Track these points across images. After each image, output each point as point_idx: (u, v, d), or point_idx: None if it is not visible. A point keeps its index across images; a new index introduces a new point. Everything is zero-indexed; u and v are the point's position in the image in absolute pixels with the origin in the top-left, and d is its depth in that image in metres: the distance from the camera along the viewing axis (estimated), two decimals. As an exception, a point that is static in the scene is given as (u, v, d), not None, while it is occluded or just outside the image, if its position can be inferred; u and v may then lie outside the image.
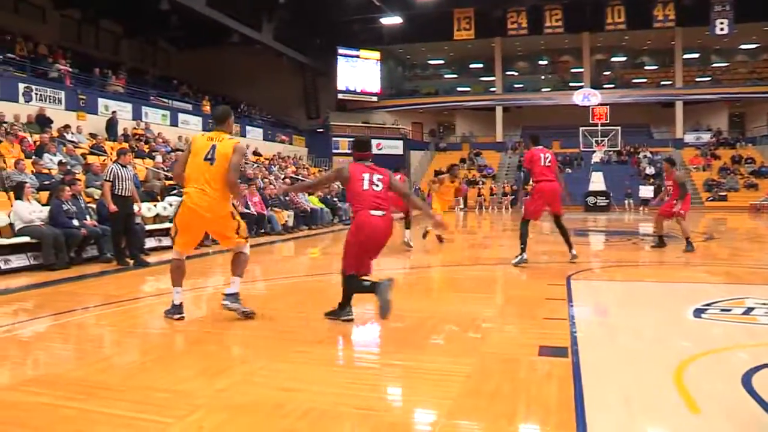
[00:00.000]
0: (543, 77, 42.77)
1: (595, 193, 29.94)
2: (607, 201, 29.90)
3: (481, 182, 35.66)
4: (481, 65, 42.44)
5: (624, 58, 41.71)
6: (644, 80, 40.30)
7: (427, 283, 8.15)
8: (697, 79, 38.55)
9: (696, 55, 39.36)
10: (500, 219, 25.95)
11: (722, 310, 5.77)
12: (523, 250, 8.98)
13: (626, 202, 30.48)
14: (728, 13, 31.81)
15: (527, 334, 4.92)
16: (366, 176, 5.31)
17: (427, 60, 44.40)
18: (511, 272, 8.76)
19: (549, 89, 40.53)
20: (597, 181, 30.40)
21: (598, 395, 3.46)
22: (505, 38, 36.82)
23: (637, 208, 29.72)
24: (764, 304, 5.94)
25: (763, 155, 34.17)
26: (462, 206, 31.19)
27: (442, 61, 44.28)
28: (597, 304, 6.56)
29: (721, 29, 32.19)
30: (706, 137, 36.87)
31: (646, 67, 41.72)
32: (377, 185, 5.27)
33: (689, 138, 36.80)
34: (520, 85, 41.91)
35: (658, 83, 39.26)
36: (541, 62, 43.13)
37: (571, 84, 39.31)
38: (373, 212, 5.17)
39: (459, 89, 42.49)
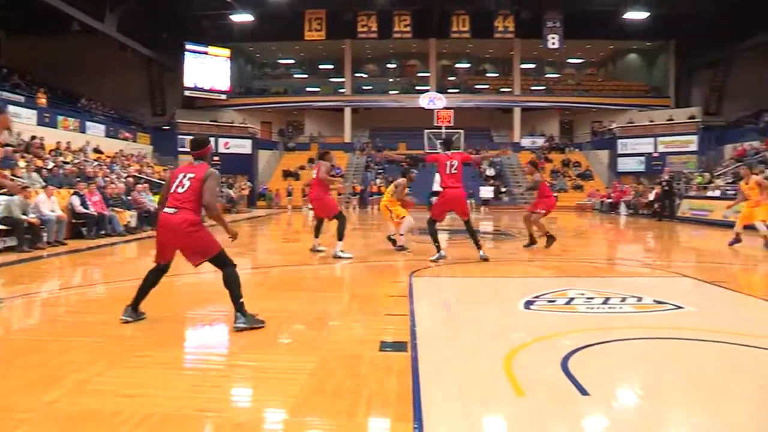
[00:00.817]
0: (391, 80, 43.86)
1: (438, 194, 31.09)
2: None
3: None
4: (331, 66, 42.80)
5: (468, 65, 43.80)
6: (486, 86, 42.48)
7: (274, 283, 8.15)
8: (533, 88, 41.26)
9: (532, 66, 42.22)
10: (348, 220, 26.22)
11: (549, 301, 6.29)
12: (438, 248, 9.66)
13: (469, 202, 31.93)
14: (559, 30, 34.35)
15: (369, 331, 5.09)
16: (180, 176, 5.34)
17: (278, 59, 44.12)
18: (356, 271, 8.98)
19: (397, 92, 41.61)
20: (438, 182, 31.56)
21: (434, 386, 3.68)
22: (355, 40, 37.36)
23: (479, 207, 31.32)
24: (582, 294, 6.56)
25: (587, 159, 37.28)
26: (310, 206, 31.24)
27: (292, 61, 44.19)
28: (437, 300, 6.90)
29: (553, 43, 34.70)
30: (540, 142, 39.56)
31: (488, 74, 44.06)
32: (183, 185, 5.26)
33: (526, 142, 39.32)
34: (369, 87, 42.69)
35: (499, 90, 41.57)
36: (389, 65, 44.22)
37: (417, 87, 40.60)
38: (166, 210, 5.25)
39: (308, 89, 42.56)
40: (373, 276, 8.49)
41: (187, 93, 37.07)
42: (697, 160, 31.37)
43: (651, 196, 25.26)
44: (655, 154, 33.28)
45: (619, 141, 35.28)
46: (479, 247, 9.85)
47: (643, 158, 33.66)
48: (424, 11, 34.28)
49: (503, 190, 34.39)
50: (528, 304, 6.11)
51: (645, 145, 34.03)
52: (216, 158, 35.56)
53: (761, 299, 6.54)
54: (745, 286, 7.22)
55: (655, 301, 6.25)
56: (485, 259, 9.59)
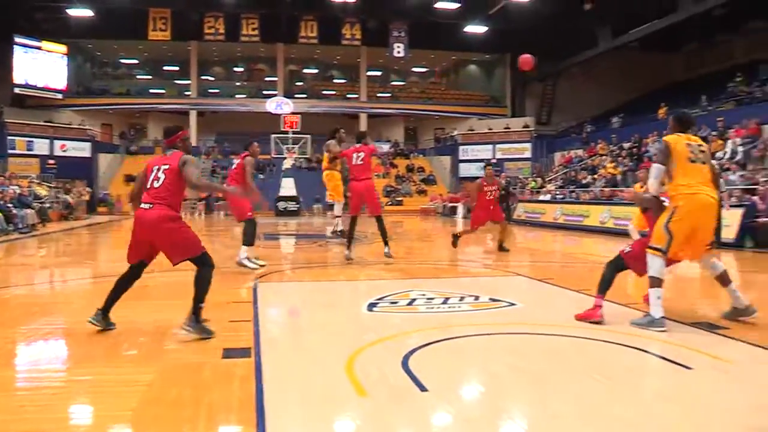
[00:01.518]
0: (238, 84, 43.14)
1: (286, 198, 31.01)
2: (297, 206, 31.15)
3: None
4: (176, 68, 41.39)
5: (316, 71, 44.04)
6: (333, 92, 42.92)
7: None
8: (379, 95, 42.23)
9: (378, 73, 43.18)
10: (193, 224, 25.47)
11: (391, 302, 6.47)
12: (348, 247, 10.06)
13: (315, 207, 32.11)
14: (404, 39, 35.46)
15: (212, 338, 4.97)
16: (154, 169, 5.05)
17: (120, 58, 42.03)
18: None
19: (244, 96, 41.00)
20: (288, 187, 31.54)
21: (278, 391, 3.67)
22: (202, 42, 36.38)
23: (325, 212, 31.52)
24: (423, 295, 6.81)
25: (431, 165, 38.75)
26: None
27: (135, 61, 42.27)
28: (282, 305, 6.89)
29: (398, 52, 35.76)
30: (386, 148, 40.52)
31: (335, 81, 44.52)
32: (158, 179, 4.98)
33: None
34: (216, 90, 41.73)
35: (346, 96, 42.12)
36: (237, 69, 43.45)
37: (265, 92, 40.23)
38: (142, 205, 4.97)
39: (152, 91, 40.90)
40: (219, 282, 8.27)
41: (17, 90, 34.22)
42: (531, 166, 33.54)
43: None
44: (493, 160, 35.16)
45: (461, 147, 36.97)
46: (386, 244, 10.18)
47: (482, 164, 35.44)
48: (273, 15, 34.09)
49: (349, 194, 34.79)
50: (371, 306, 6.24)
51: (484, 152, 35.91)
52: (51, 162, 33.16)
53: (582, 293, 7.10)
54: (570, 282, 7.81)
55: (490, 299, 6.62)
56: (389, 256, 9.99)
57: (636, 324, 5.22)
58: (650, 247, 5.30)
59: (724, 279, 5.48)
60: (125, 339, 4.98)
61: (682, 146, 5.27)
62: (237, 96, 41.15)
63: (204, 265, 5.06)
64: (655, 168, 5.39)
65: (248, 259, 9.02)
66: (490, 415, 3.39)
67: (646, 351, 4.54)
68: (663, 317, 5.13)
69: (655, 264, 5.25)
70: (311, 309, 6.54)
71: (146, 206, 4.94)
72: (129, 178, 35.07)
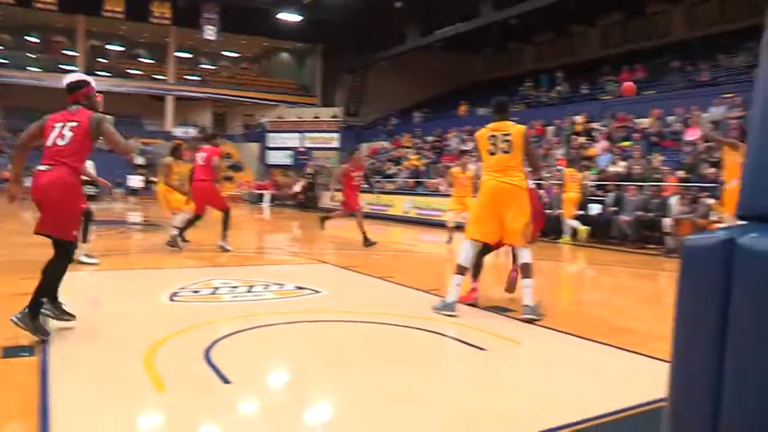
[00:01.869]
0: (32, 55, 39.18)
1: (85, 182, 28.80)
2: (97, 190, 29.01)
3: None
4: (-49, 31, 36.71)
5: (121, 48, 41.28)
6: (139, 72, 40.52)
7: None
8: (188, 77, 40.56)
9: (188, 55, 41.43)
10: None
11: (193, 291, 6.24)
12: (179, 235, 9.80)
13: (116, 191, 30.22)
14: (215, 21, 34.29)
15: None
16: (57, 126, 4.34)
17: None
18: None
19: (39, 69, 37.32)
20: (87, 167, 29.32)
21: (67, 391, 3.36)
22: (-17, 5, 32.50)
23: (127, 197, 29.84)
24: (226, 283, 6.66)
25: (239, 151, 38.04)
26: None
27: None
28: (76, 296, 6.33)
29: (209, 34, 34.53)
30: (193, 132, 39.05)
31: (142, 60, 42.07)
32: (63, 137, 4.30)
33: (178, 132, 38.43)
34: (4, 61, 37.58)
35: (152, 77, 39.96)
36: (29, 38, 39.46)
37: (63, 66, 36.92)
38: (40, 167, 4.26)
39: None
40: (3, 272, 7.50)
41: None
42: (338, 156, 34.08)
43: (297, 188, 26.72)
44: (302, 149, 35.27)
45: (269, 135, 36.60)
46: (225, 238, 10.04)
47: (291, 152, 35.41)
48: (72, -18, 31.34)
49: (153, 179, 33.20)
50: (173, 296, 5.98)
51: (293, 140, 35.82)
52: None
53: (386, 280, 7.36)
54: (374, 269, 8.04)
55: (296, 287, 6.62)
56: (225, 250, 9.74)
57: (434, 309, 5.50)
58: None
59: (523, 270, 5.59)
60: None
61: (484, 140, 5.65)
62: (30, 68, 37.33)
63: (65, 256, 4.45)
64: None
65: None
66: (294, 403, 3.37)
67: (445, 335, 4.79)
68: (455, 302, 5.45)
69: (462, 252, 5.62)
70: (108, 300, 6.12)
71: (44, 167, 4.29)
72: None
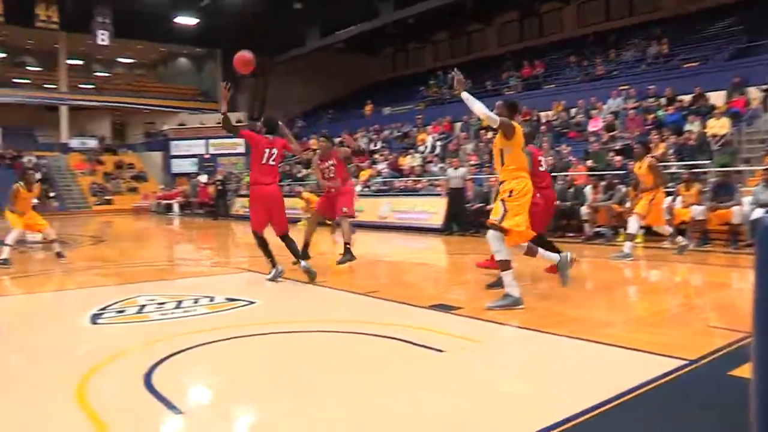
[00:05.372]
0: None
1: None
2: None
3: None
4: None
5: (3, 55, 38.75)
6: (27, 81, 38.15)
7: None
8: (81, 86, 38.57)
9: (80, 62, 39.40)
10: None
11: (117, 311, 5.76)
12: (273, 263, 7.45)
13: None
14: (109, 26, 32.64)
15: None
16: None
17: None
18: None
19: None
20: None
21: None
22: None
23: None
24: (152, 300, 6.21)
25: (141, 161, 36.56)
26: None
27: None
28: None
29: (102, 40, 32.84)
30: (92, 143, 37.18)
31: (29, 68, 39.68)
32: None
33: (75, 143, 36.50)
34: None
35: (42, 86, 37.71)
36: None
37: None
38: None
39: None
40: None
41: None
42: (245, 161, 33.36)
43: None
44: (207, 156, 34.32)
45: (172, 143, 35.39)
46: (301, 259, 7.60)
47: (196, 159, 34.38)
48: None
49: (52, 194, 31.39)
50: (95, 318, 5.50)
51: (197, 147, 34.81)
52: None
53: (318, 285, 7.10)
54: (300, 275, 7.77)
55: (227, 299, 6.26)
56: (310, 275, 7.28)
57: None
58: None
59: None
60: None
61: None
62: None
63: None
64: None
65: None
66: (259, 429, 3.11)
67: (397, 339, 4.56)
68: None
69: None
70: (20, 328, 5.55)
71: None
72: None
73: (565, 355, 4.23)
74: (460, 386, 3.60)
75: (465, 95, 5.52)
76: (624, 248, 8.96)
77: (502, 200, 5.59)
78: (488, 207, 13.77)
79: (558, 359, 4.13)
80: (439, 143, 20.89)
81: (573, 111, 19.06)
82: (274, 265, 7.38)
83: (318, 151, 9.12)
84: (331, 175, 8.76)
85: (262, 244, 7.49)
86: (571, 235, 12.38)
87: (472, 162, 17.22)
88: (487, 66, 27.94)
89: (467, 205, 14.15)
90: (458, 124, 22.63)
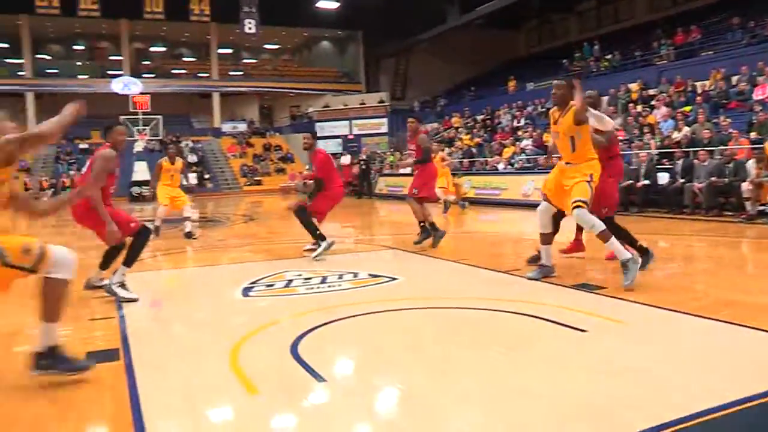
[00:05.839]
0: (79, 63, 39.88)
1: (140, 183, 29.19)
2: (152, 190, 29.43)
3: (12, 176, 31.64)
4: (5, 45, 37.44)
5: (163, 49, 41.67)
6: (183, 71, 40.85)
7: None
8: (231, 73, 40.74)
9: (229, 51, 41.58)
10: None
11: (267, 285, 6.07)
12: (321, 237, 7.81)
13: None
14: (254, 15, 34.20)
15: (71, 341, 4.35)
16: None
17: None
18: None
19: (86, 76, 37.96)
20: (141, 171, 29.70)
21: (155, 395, 3.21)
22: (34, 16, 32.99)
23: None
24: (299, 275, 6.47)
25: (287, 143, 38.07)
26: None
27: (-45, 37, 37.72)
28: (148, 297, 6.23)
29: (249, 29, 34.47)
30: (241, 127, 39.26)
31: (185, 59, 42.43)
32: None
33: (226, 127, 38.73)
34: (54, 71, 38.26)
35: (196, 75, 40.25)
36: (76, 47, 40.19)
37: (109, 72, 37.51)
38: None
39: (-21, 70, 36.70)
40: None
41: None
42: (388, 141, 33.79)
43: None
44: (350, 136, 35.13)
45: (317, 124, 36.53)
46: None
47: (339, 140, 35.29)
48: (113, -13, 31.57)
49: (207, 176, 33.53)
50: (246, 291, 5.82)
51: (341, 128, 35.73)
52: None
53: (460, 263, 7.08)
54: (443, 252, 7.77)
55: (370, 275, 6.39)
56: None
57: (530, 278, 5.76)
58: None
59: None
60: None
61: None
62: (79, 76, 37.95)
63: None
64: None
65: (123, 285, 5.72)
66: (397, 400, 3.14)
67: (538, 317, 4.46)
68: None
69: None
70: (180, 298, 6.01)
71: None
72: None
73: (717, 340, 3.94)
74: (605, 367, 3.46)
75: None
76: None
77: (587, 182, 5.45)
78: (638, 184, 13.11)
79: (710, 344, 3.86)
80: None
81: (735, 79, 17.57)
82: (323, 238, 7.78)
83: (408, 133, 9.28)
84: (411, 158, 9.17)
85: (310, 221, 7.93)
86: (729, 214, 11.47)
87: (621, 137, 16.40)
88: (637, 35, 26.39)
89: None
90: (605, 98, 21.63)
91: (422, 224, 8.50)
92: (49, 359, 3.41)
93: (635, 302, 4.81)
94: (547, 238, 5.84)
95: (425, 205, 8.59)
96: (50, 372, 3.40)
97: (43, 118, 25.82)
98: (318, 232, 7.80)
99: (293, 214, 8.10)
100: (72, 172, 31.36)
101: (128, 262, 5.67)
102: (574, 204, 5.36)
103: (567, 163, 5.60)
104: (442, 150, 18.63)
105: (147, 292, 6.44)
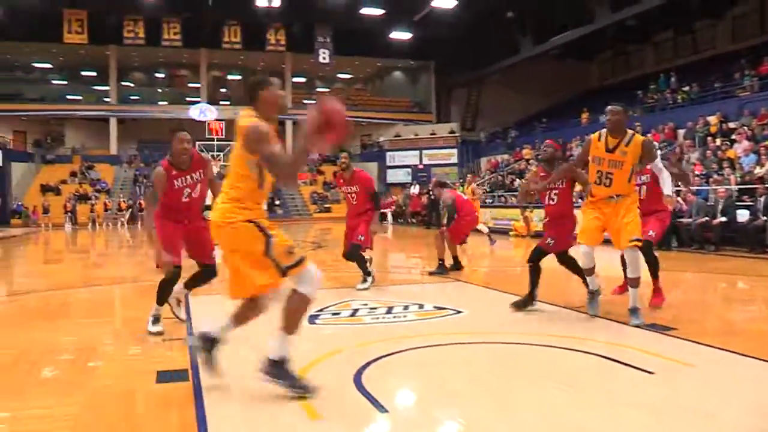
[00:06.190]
0: (160, 90, 41.82)
1: (209, 207, 30.01)
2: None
3: (94, 197, 33.28)
4: (94, 73, 39.68)
5: (239, 77, 43.13)
6: (258, 99, 42.08)
7: (30, 311, 7.15)
8: (305, 102, 41.73)
9: (303, 79, 42.70)
10: (116, 236, 24.48)
11: (333, 314, 6.19)
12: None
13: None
14: (329, 45, 35.15)
15: (144, 360, 4.56)
16: None
17: (32, 62, 39.64)
18: (127, 292, 8.24)
19: (166, 102, 39.74)
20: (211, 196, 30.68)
21: (222, 415, 3.35)
22: (121, 47, 34.95)
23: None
24: (365, 305, 6.57)
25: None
26: (72, 223, 29.15)
27: (49, 65, 40.12)
28: (216, 319, 6.40)
29: (323, 58, 35.42)
30: (312, 155, 40.00)
31: (261, 87, 43.75)
32: None
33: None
34: (136, 97, 40.23)
35: (271, 103, 41.40)
36: (158, 74, 42.15)
37: (188, 98, 39.13)
38: None
39: (69, 97, 38.91)
40: (147, 297, 7.79)
41: None
42: (458, 171, 33.82)
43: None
44: (420, 166, 35.31)
45: (388, 153, 36.94)
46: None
47: (409, 170, 35.53)
48: (195, 20, 33.12)
49: (277, 202, 34.29)
50: (312, 319, 5.93)
51: (411, 158, 36.00)
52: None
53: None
54: (510, 286, 7.72)
55: (435, 307, 6.43)
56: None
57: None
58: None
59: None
60: (42, 366, 4.50)
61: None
62: (159, 103, 39.82)
63: None
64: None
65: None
66: (457, 434, 3.18)
67: (604, 356, 4.40)
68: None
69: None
70: (249, 324, 6.16)
71: None
72: (46, 188, 33.41)
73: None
74: (672, 409, 3.38)
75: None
76: None
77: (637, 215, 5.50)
78: (715, 221, 12.70)
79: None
80: (659, 152, 19.58)
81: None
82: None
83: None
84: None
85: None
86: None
87: (697, 172, 15.94)
88: (718, 65, 25.65)
89: (689, 219, 13.13)
90: (681, 131, 21.10)
91: (440, 260, 9.57)
92: (278, 369, 3.62)
93: (708, 345, 4.67)
94: (591, 271, 5.77)
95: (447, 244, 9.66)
96: (275, 381, 3.61)
97: (125, 142, 27.19)
98: (367, 267, 8.10)
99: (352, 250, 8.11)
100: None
101: (158, 299, 5.35)
102: (633, 243, 5.34)
103: (617, 196, 5.53)
104: (475, 182, 18.65)
105: (216, 315, 6.63)
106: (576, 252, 5.81)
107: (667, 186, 6.15)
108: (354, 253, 8.02)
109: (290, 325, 3.61)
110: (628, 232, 5.36)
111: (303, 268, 3.53)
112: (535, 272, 6.17)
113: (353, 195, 8.16)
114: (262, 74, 3.99)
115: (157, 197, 5.26)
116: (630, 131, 5.64)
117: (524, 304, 6.11)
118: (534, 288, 6.13)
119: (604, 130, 5.70)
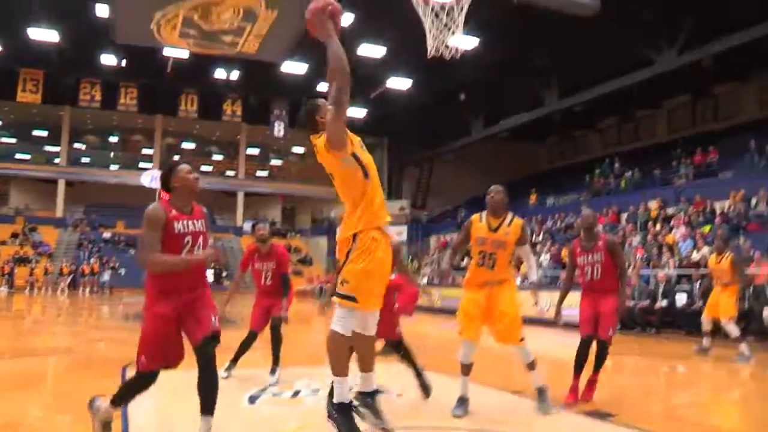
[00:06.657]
0: (112, 154, 41.42)
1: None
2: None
3: (35, 260, 32.24)
4: (45, 133, 39.12)
5: (194, 145, 43.16)
6: (211, 168, 42.09)
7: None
8: (257, 174, 41.86)
9: (256, 151, 42.92)
10: (55, 302, 23.63)
11: (273, 395, 6.02)
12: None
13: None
14: (284, 118, 35.54)
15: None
16: None
17: (-21, 118, 39.03)
18: (62, 364, 7.89)
19: (118, 167, 39.30)
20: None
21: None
22: (76, 108, 34.63)
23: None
24: (308, 385, 6.45)
25: (308, 246, 38.49)
26: (9, 286, 28.15)
27: (-1, 122, 39.51)
28: (150, 396, 6.19)
29: (278, 131, 35.72)
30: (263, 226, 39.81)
31: (214, 157, 43.79)
32: None
33: (247, 227, 39.37)
34: (87, 160, 39.71)
35: (223, 173, 41.40)
36: (111, 138, 41.83)
37: (141, 164, 38.82)
38: None
39: (18, 156, 38.08)
40: (80, 370, 7.49)
41: None
42: (407, 249, 33.96)
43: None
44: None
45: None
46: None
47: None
48: (153, 86, 33.16)
49: (224, 274, 33.79)
50: (253, 399, 5.79)
51: (361, 233, 36.06)
52: None
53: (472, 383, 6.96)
54: (448, 368, 7.67)
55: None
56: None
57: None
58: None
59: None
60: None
61: None
62: (110, 167, 39.33)
63: None
64: None
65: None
66: None
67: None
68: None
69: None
70: (184, 401, 5.94)
71: None
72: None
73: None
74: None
75: None
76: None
77: None
78: (656, 305, 12.98)
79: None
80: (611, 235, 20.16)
81: (753, 201, 17.67)
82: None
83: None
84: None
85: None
86: (751, 339, 11.24)
87: (638, 256, 16.40)
88: (658, 152, 26.84)
89: (632, 302, 13.41)
90: (624, 215, 21.79)
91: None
92: (367, 399, 3.89)
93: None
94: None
95: None
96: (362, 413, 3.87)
97: (72, 205, 26.56)
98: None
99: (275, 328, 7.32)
100: (93, 260, 31.85)
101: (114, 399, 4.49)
102: (522, 343, 5.46)
103: (499, 282, 5.49)
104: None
105: (153, 395, 6.40)
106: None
107: (532, 272, 6.00)
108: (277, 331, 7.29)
109: (364, 364, 4.02)
110: (515, 329, 5.35)
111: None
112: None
113: (268, 273, 7.14)
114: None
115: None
116: (510, 213, 5.59)
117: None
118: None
119: (484, 212, 5.66)
